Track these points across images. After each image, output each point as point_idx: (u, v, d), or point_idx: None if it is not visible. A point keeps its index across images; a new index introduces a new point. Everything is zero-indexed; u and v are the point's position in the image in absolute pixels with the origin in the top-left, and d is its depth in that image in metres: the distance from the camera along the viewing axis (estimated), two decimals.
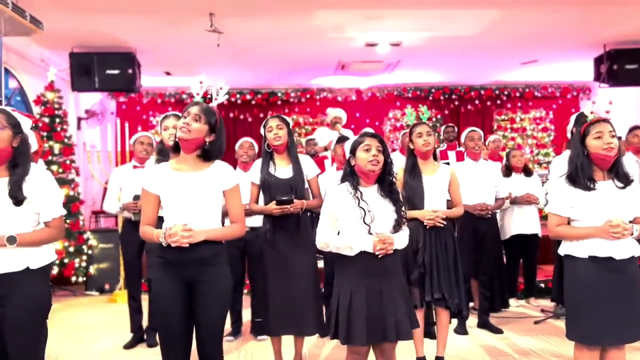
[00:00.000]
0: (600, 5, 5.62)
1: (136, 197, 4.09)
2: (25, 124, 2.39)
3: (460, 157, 5.28)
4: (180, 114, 2.70)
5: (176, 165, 2.49)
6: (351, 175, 2.63)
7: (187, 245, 2.31)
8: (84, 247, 6.33)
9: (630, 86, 7.28)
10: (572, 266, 2.54)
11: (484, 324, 4.50)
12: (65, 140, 6.38)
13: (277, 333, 3.45)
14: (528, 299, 5.45)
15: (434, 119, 8.74)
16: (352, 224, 2.54)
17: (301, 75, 8.55)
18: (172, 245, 2.30)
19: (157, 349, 3.65)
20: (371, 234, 2.51)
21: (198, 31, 5.70)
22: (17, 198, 2.25)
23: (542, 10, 5.71)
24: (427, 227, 3.32)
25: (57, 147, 6.28)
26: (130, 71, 6.56)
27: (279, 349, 3.53)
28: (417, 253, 3.31)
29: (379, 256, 2.48)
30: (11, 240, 2.21)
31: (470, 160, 4.42)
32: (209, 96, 2.89)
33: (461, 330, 4.36)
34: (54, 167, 6.15)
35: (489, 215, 4.23)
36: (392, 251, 2.50)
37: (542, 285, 5.62)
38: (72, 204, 6.24)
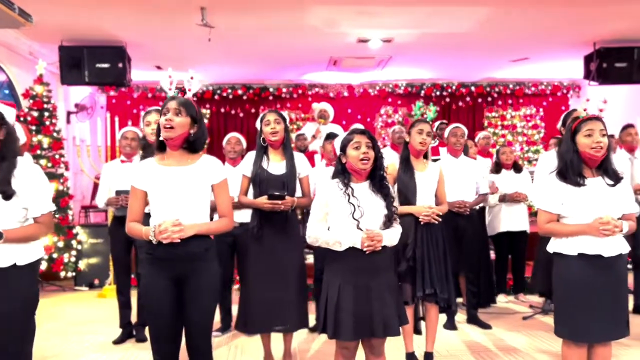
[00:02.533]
0: (591, 4, 5.65)
1: (118, 193, 4.07)
2: (9, 114, 2.33)
3: None
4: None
5: (163, 160, 2.47)
6: (342, 173, 2.63)
7: (179, 240, 2.29)
8: (74, 242, 6.29)
9: (619, 84, 7.35)
10: (561, 264, 2.55)
11: (472, 320, 4.54)
12: (55, 134, 6.33)
13: (260, 331, 3.44)
14: (517, 295, 5.50)
15: (426, 115, 8.76)
16: (342, 220, 2.54)
17: (293, 70, 8.54)
18: (164, 242, 2.29)
19: (147, 344, 3.65)
20: (360, 229, 2.51)
21: (189, 25, 5.67)
22: (6, 192, 2.22)
23: (533, 8, 5.73)
24: (422, 222, 3.33)
25: (46, 141, 6.23)
26: (120, 65, 6.52)
27: (269, 345, 3.53)
28: (407, 247, 3.32)
29: (367, 252, 2.48)
30: None
31: (450, 157, 4.42)
32: (181, 88, 2.87)
33: (450, 325, 4.39)
34: (43, 162, 6.10)
35: (467, 212, 4.25)
36: (380, 248, 2.50)
37: (531, 281, 5.66)
38: (61, 198, 6.20)
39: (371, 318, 2.50)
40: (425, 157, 3.54)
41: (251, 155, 3.49)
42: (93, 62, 6.47)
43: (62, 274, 6.21)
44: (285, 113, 3.80)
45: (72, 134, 7.80)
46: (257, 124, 3.50)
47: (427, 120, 3.58)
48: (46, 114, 6.29)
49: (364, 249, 2.48)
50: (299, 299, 3.37)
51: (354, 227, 2.51)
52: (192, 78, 2.79)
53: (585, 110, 2.61)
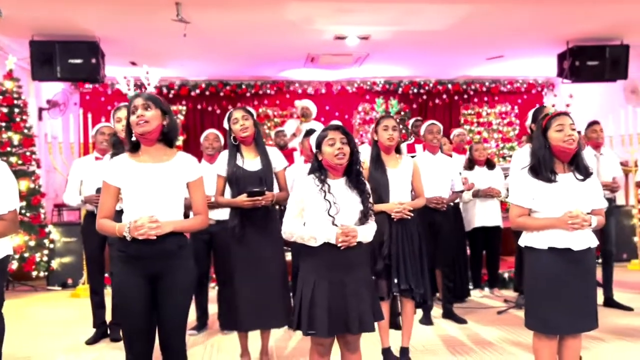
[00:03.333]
0: (564, 4, 5.74)
1: (99, 190, 3.99)
2: None
3: None
4: None
5: (137, 156, 2.43)
6: (319, 170, 2.61)
7: (155, 237, 2.26)
8: (46, 241, 6.17)
9: (591, 82, 7.47)
10: (531, 257, 2.60)
11: (448, 314, 4.58)
12: (25, 131, 6.19)
13: (246, 328, 3.42)
14: (492, 290, 5.57)
15: (402, 113, 8.82)
16: (318, 216, 2.53)
17: (271, 67, 8.49)
18: (140, 238, 2.25)
19: (120, 344, 3.61)
20: (336, 225, 2.50)
21: (164, 20, 5.59)
22: None
23: (507, 7, 5.80)
24: (395, 219, 3.34)
25: (16, 138, 6.09)
26: (93, 60, 6.40)
27: (246, 343, 3.51)
28: (383, 245, 3.33)
29: (342, 248, 2.48)
30: None
31: (428, 153, 4.45)
32: (139, 85, 2.82)
33: (426, 320, 4.43)
34: (13, 159, 5.97)
35: (444, 208, 4.29)
36: (355, 244, 2.50)
37: (506, 276, 5.75)
38: (32, 196, 6.07)
39: (346, 314, 2.49)
40: (398, 152, 3.54)
41: (224, 154, 3.45)
42: (65, 58, 6.33)
43: (34, 273, 6.08)
44: (261, 110, 3.77)
45: (43, 131, 7.66)
46: (225, 124, 3.45)
47: (391, 115, 3.59)
48: (16, 110, 6.15)
49: (339, 245, 2.48)
50: (282, 294, 3.37)
51: (330, 224, 2.51)
52: (147, 73, 2.74)
53: (553, 106, 2.66)
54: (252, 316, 3.31)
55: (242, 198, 3.26)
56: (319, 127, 6.42)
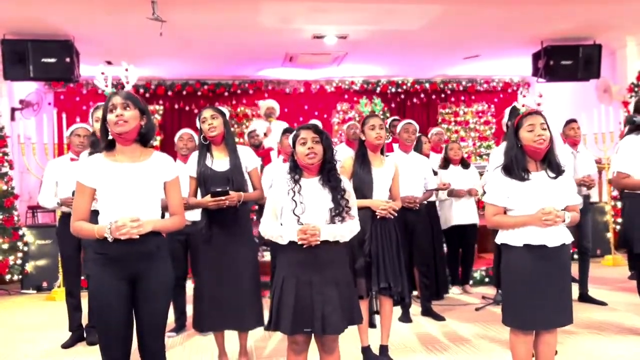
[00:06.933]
0: (538, 4, 5.83)
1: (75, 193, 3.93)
2: None
3: None
4: None
5: (113, 156, 2.40)
6: (295, 169, 2.63)
7: (137, 237, 2.24)
8: (19, 243, 6.05)
9: (565, 81, 7.61)
10: (508, 254, 2.64)
11: (426, 312, 4.62)
12: None
13: (215, 329, 3.41)
14: (464, 286, 5.62)
15: (380, 113, 8.85)
16: (288, 215, 2.56)
17: (249, 66, 8.46)
18: (122, 238, 2.23)
19: (97, 347, 3.56)
20: (302, 224, 2.51)
21: (140, 19, 5.52)
22: None
23: (483, 6, 5.87)
24: (378, 217, 3.35)
25: None
26: (67, 60, 6.30)
27: (223, 344, 3.49)
28: (364, 243, 3.33)
29: (304, 246, 2.48)
30: None
31: (401, 152, 4.47)
32: (118, 83, 2.79)
33: (405, 318, 4.46)
34: None
35: (417, 207, 4.31)
36: (316, 242, 2.47)
37: (483, 273, 5.82)
38: (5, 198, 5.96)
39: (312, 313, 2.49)
40: (382, 152, 3.56)
41: (195, 155, 3.43)
42: (38, 57, 6.22)
43: (8, 277, 5.96)
44: (239, 109, 3.74)
45: (16, 132, 7.48)
46: (197, 123, 3.42)
47: (376, 115, 3.61)
48: None
49: (299, 243, 2.47)
50: (253, 295, 3.34)
51: (295, 222, 2.52)
52: (127, 70, 2.73)
53: (524, 105, 2.70)
54: (221, 317, 3.28)
55: (207, 199, 3.22)
56: (284, 125, 6.43)
